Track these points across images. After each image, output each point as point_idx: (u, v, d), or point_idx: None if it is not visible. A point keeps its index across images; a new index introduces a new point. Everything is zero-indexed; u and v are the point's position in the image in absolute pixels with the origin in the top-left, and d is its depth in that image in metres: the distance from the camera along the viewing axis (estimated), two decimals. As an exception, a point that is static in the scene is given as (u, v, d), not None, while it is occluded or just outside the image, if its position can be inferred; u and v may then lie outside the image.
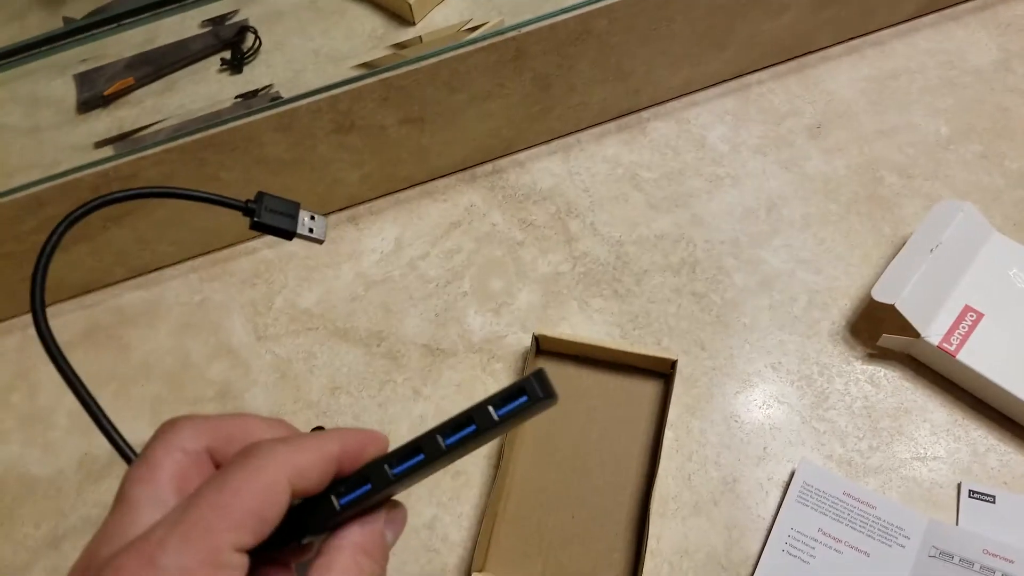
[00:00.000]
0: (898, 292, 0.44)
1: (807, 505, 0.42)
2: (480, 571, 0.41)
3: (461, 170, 0.55)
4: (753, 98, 0.55)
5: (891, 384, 0.45)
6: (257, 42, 0.52)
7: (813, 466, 0.43)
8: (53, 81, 0.53)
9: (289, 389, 0.49)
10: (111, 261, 0.53)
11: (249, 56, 0.52)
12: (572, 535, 0.43)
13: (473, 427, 0.21)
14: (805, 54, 0.56)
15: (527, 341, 0.49)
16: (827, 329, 0.47)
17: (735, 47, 0.54)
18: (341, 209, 0.55)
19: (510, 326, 0.50)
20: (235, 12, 0.54)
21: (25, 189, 0.46)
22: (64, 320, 0.54)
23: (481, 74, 0.48)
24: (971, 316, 0.44)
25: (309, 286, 0.53)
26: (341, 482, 0.21)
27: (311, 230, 0.35)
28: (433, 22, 0.51)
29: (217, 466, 0.22)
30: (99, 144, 0.50)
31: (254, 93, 0.50)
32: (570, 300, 0.50)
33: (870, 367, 0.46)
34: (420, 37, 0.50)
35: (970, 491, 0.42)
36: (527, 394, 0.20)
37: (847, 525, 0.42)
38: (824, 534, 0.42)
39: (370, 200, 0.55)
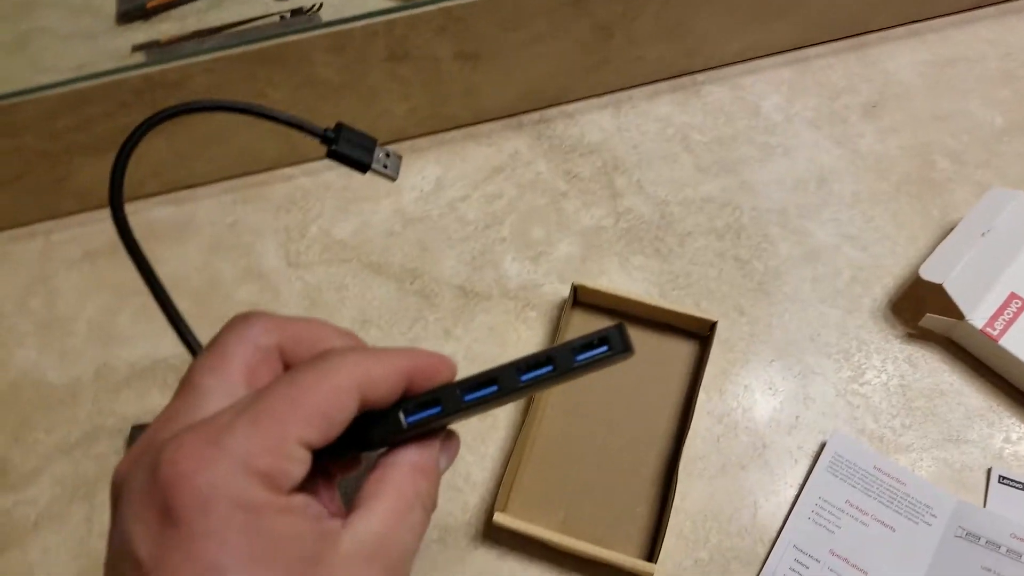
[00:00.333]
0: (947, 273, 0.44)
1: (837, 476, 0.42)
2: (502, 511, 0.40)
3: (508, 116, 0.54)
4: (810, 71, 0.54)
5: (928, 365, 0.45)
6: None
7: (846, 438, 0.43)
8: (96, -14, 0.51)
9: (319, 317, 0.48)
10: (145, 173, 0.52)
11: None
12: (596, 485, 0.43)
13: (550, 367, 0.21)
14: (865, 32, 0.56)
15: (563, 292, 0.48)
16: (868, 306, 0.46)
17: (797, 18, 0.53)
18: (384, 144, 0.54)
19: (547, 275, 0.49)
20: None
21: (67, 85, 0.45)
22: (92, 229, 0.53)
23: (542, 15, 0.47)
24: (1016, 303, 0.44)
25: (345, 217, 0.52)
26: (409, 400, 0.21)
27: (385, 166, 0.34)
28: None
29: (286, 367, 0.22)
30: (137, 48, 0.49)
31: (299, 11, 0.49)
32: (610, 255, 0.49)
33: (909, 347, 0.45)
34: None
35: (1000, 476, 0.42)
36: (609, 344, 0.20)
37: (875, 499, 0.41)
38: (851, 506, 0.41)
39: (413, 137, 0.54)
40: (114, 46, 0.49)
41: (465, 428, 0.45)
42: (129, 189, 0.53)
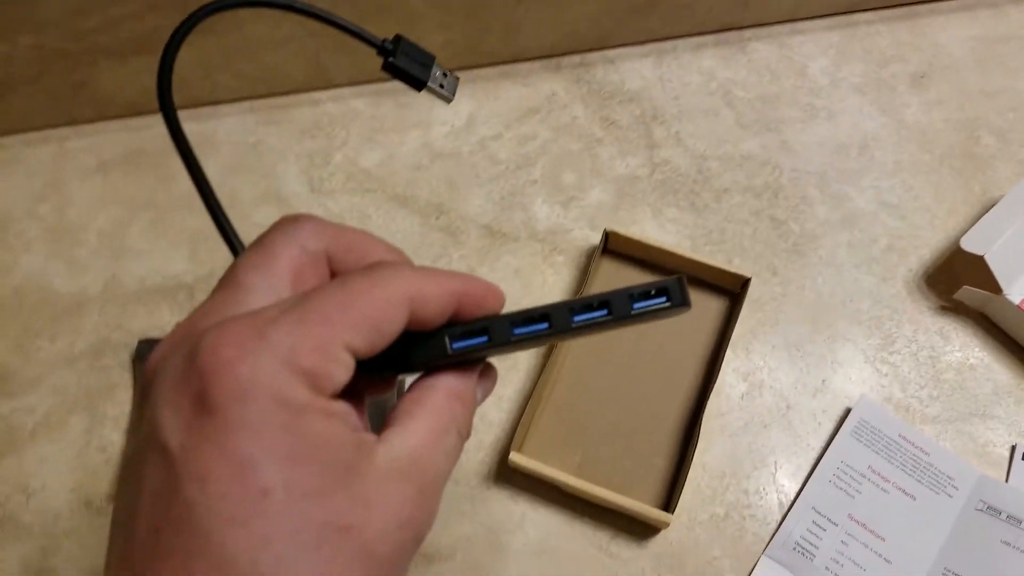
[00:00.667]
0: (988, 245, 0.43)
1: (861, 441, 0.41)
2: (518, 451, 0.39)
3: (547, 57, 0.52)
4: (859, 37, 0.53)
5: (960, 339, 0.44)
6: None
7: (873, 404, 0.42)
8: None
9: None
10: (167, 83, 0.50)
11: None
12: (616, 433, 0.42)
13: (605, 312, 0.20)
14: (917, 2, 0.54)
15: (593, 239, 0.47)
16: (903, 275, 0.46)
17: (851, -20, 0.51)
18: (416, 74, 0.52)
19: (577, 221, 0.48)
20: None
21: (96, -23, 0.42)
22: (107, 138, 0.51)
23: (595, -51, 0.46)
24: (1056, 283, 0.43)
25: (371, 147, 0.50)
26: (456, 326, 0.20)
27: (442, 85, 0.32)
28: None
29: (333, 275, 0.20)
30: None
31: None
32: (643, 205, 0.48)
33: (941, 319, 0.44)
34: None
35: (1025, 454, 0.41)
36: (668, 296, 0.20)
37: (898, 467, 0.41)
38: (873, 471, 0.41)
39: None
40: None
41: (484, 368, 0.44)
42: (149, 100, 0.51)
